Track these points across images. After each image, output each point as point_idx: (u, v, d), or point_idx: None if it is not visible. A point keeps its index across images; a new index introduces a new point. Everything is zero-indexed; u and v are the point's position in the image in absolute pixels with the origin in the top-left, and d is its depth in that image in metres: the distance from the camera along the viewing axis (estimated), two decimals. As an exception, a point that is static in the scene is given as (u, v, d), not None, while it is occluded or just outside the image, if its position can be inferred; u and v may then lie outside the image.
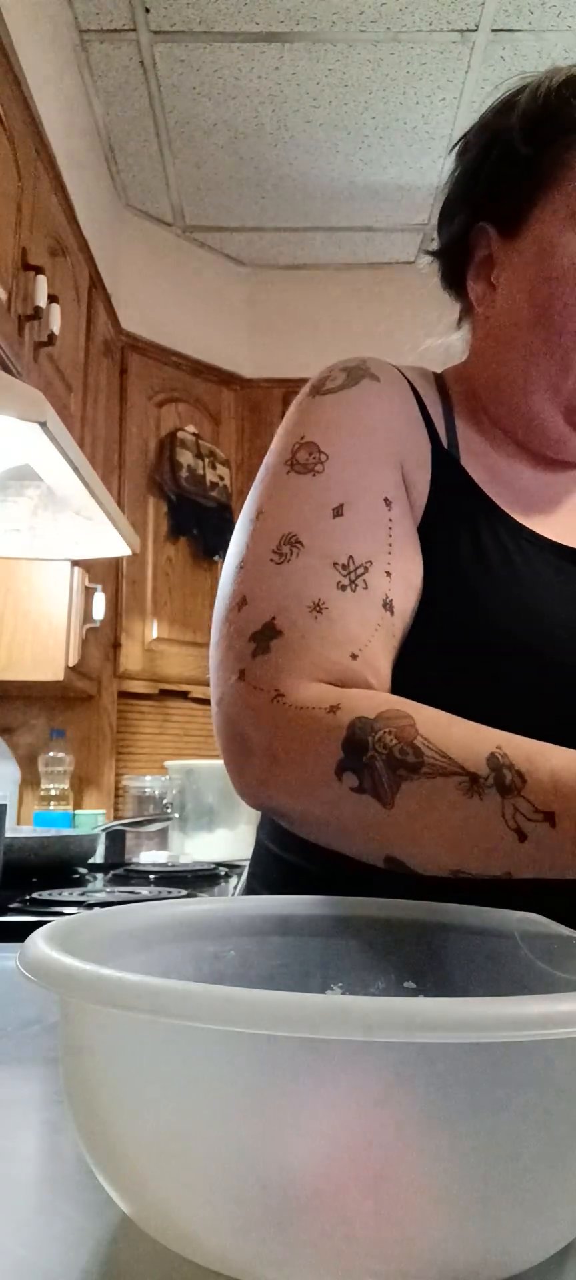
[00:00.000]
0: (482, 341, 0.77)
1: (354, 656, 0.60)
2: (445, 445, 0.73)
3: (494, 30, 2.13)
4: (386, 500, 0.67)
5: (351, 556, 0.63)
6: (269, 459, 0.70)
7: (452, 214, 0.78)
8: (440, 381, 0.79)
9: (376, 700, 0.56)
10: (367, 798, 0.53)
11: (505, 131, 0.74)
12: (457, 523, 0.70)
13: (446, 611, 0.67)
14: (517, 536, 0.71)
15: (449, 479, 0.71)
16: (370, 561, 0.63)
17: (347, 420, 0.69)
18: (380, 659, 0.62)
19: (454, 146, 0.80)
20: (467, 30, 2.13)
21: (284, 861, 0.77)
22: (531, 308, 0.71)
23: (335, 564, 0.62)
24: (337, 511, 0.65)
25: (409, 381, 0.75)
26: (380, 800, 0.53)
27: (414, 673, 0.65)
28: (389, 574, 0.64)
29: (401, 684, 0.62)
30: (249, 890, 0.83)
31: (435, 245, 0.82)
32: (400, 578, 0.65)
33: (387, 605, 0.63)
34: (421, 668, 0.66)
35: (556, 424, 0.73)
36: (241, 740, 0.59)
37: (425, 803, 0.52)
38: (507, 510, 0.72)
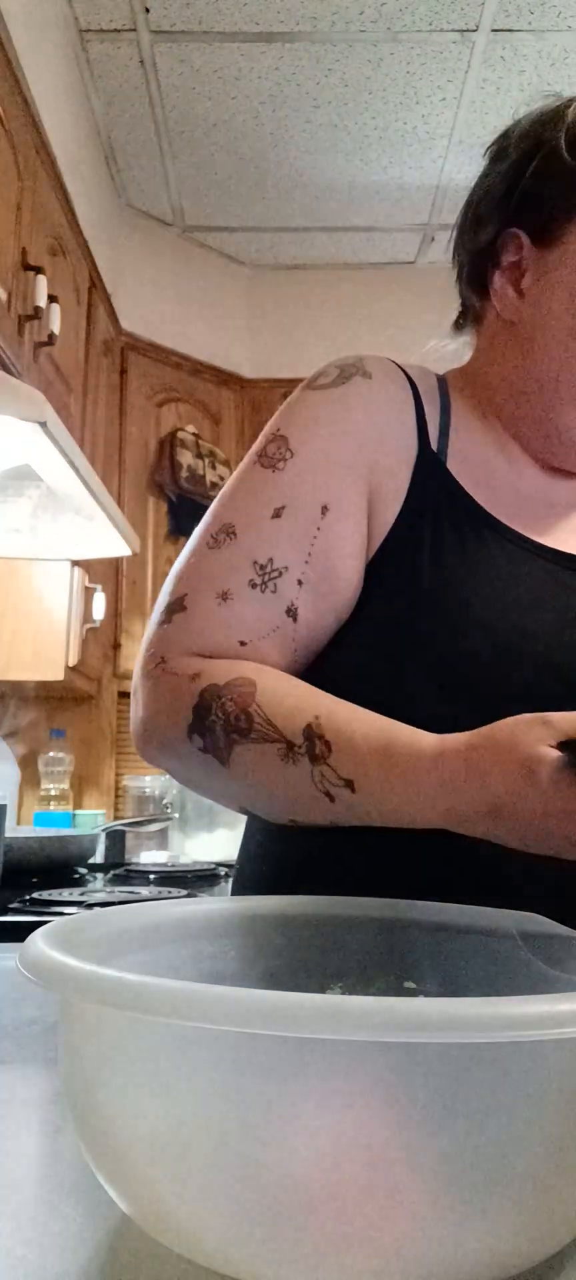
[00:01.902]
0: (503, 347, 0.77)
1: (242, 644, 0.65)
2: (435, 448, 0.73)
3: (494, 30, 2.13)
4: (324, 508, 0.68)
5: (271, 559, 0.67)
6: (255, 445, 0.74)
7: (485, 217, 0.78)
8: (442, 383, 0.79)
9: (232, 668, 0.63)
10: (210, 757, 0.61)
11: (551, 142, 0.74)
12: (434, 524, 0.70)
13: (410, 616, 0.67)
14: (502, 539, 0.70)
15: (430, 481, 0.71)
16: (286, 567, 0.67)
17: (323, 420, 0.71)
18: (272, 657, 0.66)
19: (488, 150, 0.79)
20: (467, 30, 2.13)
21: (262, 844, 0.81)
22: (569, 317, 0.71)
23: (254, 562, 0.67)
24: (277, 514, 0.68)
25: (409, 379, 0.75)
26: (219, 760, 0.60)
27: (373, 664, 0.68)
28: (300, 583, 0.67)
29: (369, 680, 0.66)
30: (237, 878, 0.86)
31: (455, 242, 0.82)
32: (311, 588, 0.68)
33: (291, 612, 0.67)
34: (384, 657, 0.68)
35: (561, 413, 0.73)
36: (133, 698, 0.67)
37: (253, 765, 0.60)
38: (493, 512, 0.71)
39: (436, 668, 0.66)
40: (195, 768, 0.63)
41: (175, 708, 0.62)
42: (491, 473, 0.75)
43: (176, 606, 0.67)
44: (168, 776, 2.37)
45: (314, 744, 0.58)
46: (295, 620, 0.67)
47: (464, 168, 2.62)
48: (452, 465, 0.73)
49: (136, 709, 0.66)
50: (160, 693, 0.64)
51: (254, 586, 0.66)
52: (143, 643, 0.68)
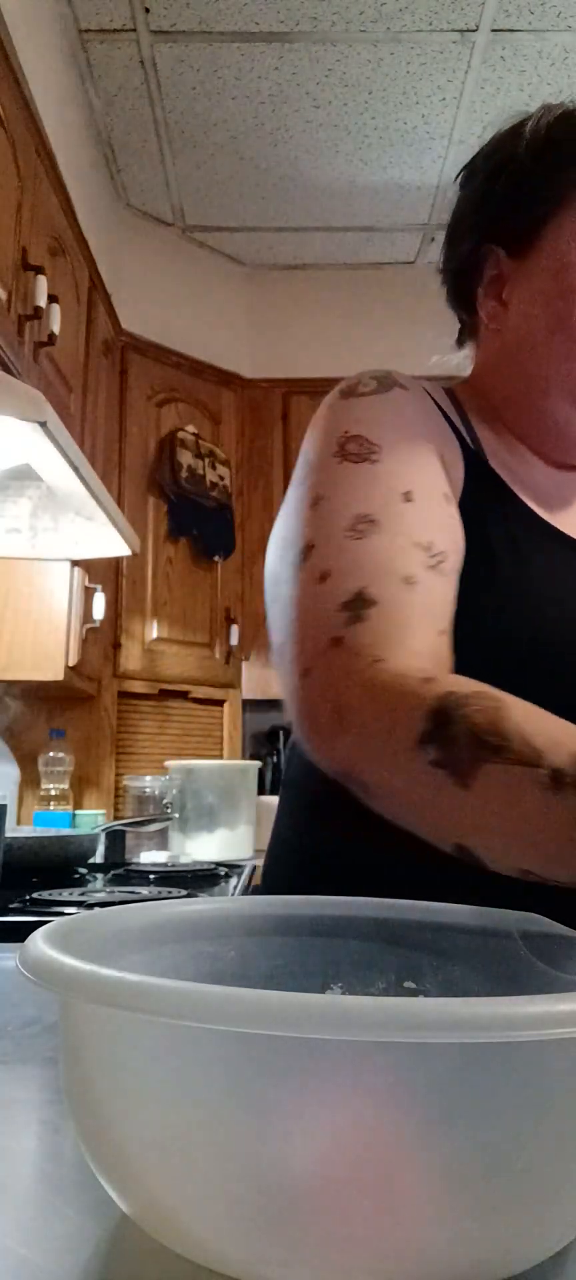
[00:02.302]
0: (496, 355, 0.81)
1: (441, 633, 0.62)
2: (472, 447, 0.77)
3: (494, 30, 2.13)
4: (446, 496, 0.69)
5: (431, 541, 0.65)
6: (311, 455, 0.71)
7: (460, 237, 0.82)
8: (451, 395, 0.82)
9: (472, 683, 0.55)
10: (445, 774, 0.52)
11: (513, 159, 0.78)
12: (490, 518, 0.73)
13: (482, 603, 0.69)
14: (542, 532, 0.75)
15: (480, 476, 0.75)
16: (444, 553, 0.65)
17: (390, 419, 0.71)
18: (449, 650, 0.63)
19: (458, 176, 0.83)
20: (467, 30, 2.13)
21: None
22: (549, 318, 0.75)
23: (417, 544, 0.64)
24: (407, 497, 0.66)
25: (428, 392, 0.78)
26: (458, 778, 0.52)
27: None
28: (455, 570, 0.66)
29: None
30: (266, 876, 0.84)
31: (441, 265, 0.86)
32: (457, 575, 0.67)
33: (455, 597, 0.65)
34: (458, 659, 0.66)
35: (574, 425, 0.77)
36: (335, 706, 0.59)
37: (503, 789, 0.51)
38: (537, 510, 0.76)
39: (519, 657, 0.68)
40: (422, 784, 0.54)
41: (403, 711, 0.55)
42: (513, 471, 0.78)
43: (362, 603, 0.61)
44: (167, 778, 2.36)
45: None
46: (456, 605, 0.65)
47: (464, 168, 2.62)
48: (493, 464, 0.77)
49: (341, 718, 0.58)
50: (385, 695, 0.56)
51: (431, 569, 0.63)
52: (313, 658, 0.61)
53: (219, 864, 1.94)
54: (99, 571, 2.33)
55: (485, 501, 0.73)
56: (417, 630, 0.60)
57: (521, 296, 0.78)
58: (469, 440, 0.77)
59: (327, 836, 0.70)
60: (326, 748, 0.60)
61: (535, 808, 0.49)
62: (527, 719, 0.52)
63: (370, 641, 0.59)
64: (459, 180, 0.83)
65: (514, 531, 0.73)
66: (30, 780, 2.51)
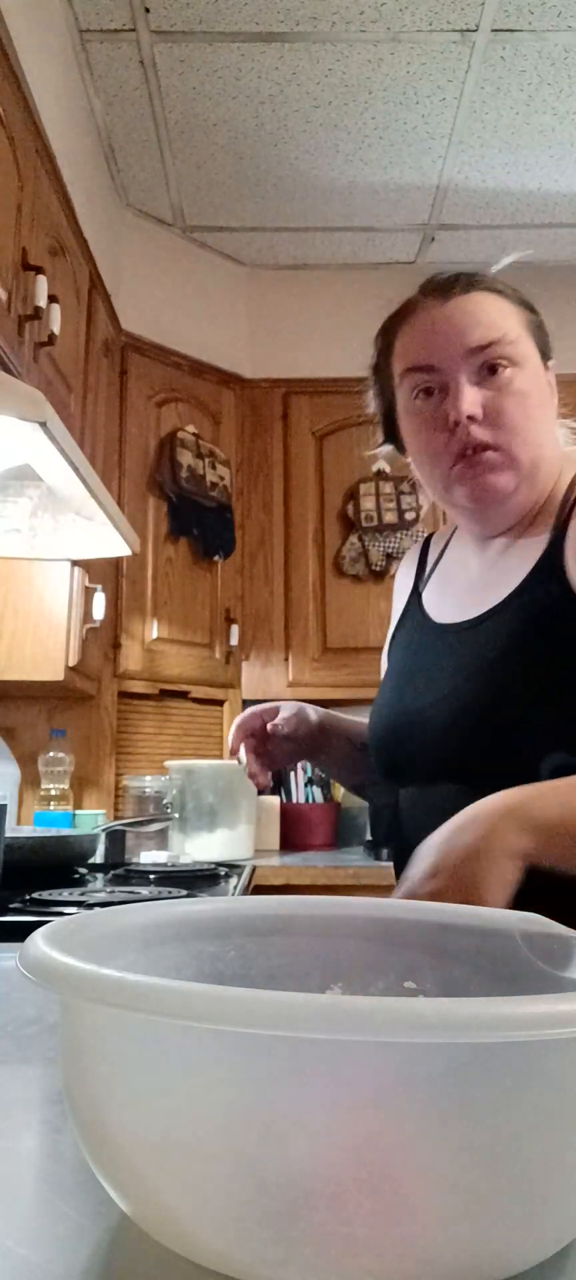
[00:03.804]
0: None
1: None
2: (425, 577, 1.11)
3: (494, 30, 2.13)
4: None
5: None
6: None
7: (372, 403, 1.09)
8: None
9: None
10: None
11: (376, 368, 1.07)
12: (400, 635, 1.09)
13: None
14: (416, 624, 1.07)
15: (409, 603, 1.11)
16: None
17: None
18: None
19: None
20: (467, 30, 2.13)
21: None
22: (417, 455, 1.01)
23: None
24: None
25: (425, 539, 1.18)
26: None
27: None
28: None
29: None
30: None
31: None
32: None
33: None
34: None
35: (452, 510, 1.02)
36: None
37: None
38: (431, 614, 1.05)
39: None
40: None
41: None
42: (451, 570, 1.08)
43: None
44: (167, 778, 2.36)
45: None
46: None
47: (464, 168, 2.62)
48: (427, 587, 1.10)
49: None
50: None
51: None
52: None
53: (219, 864, 1.94)
54: (99, 571, 2.33)
55: (404, 624, 1.10)
56: None
57: (408, 447, 1.03)
58: (429, 568, 1.12)
59: None
60: None
61: None
62: None
63: None
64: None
65: (405, 637, 1.08)
66: (30, 780, 2.51)
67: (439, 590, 1.06)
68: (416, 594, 1.08)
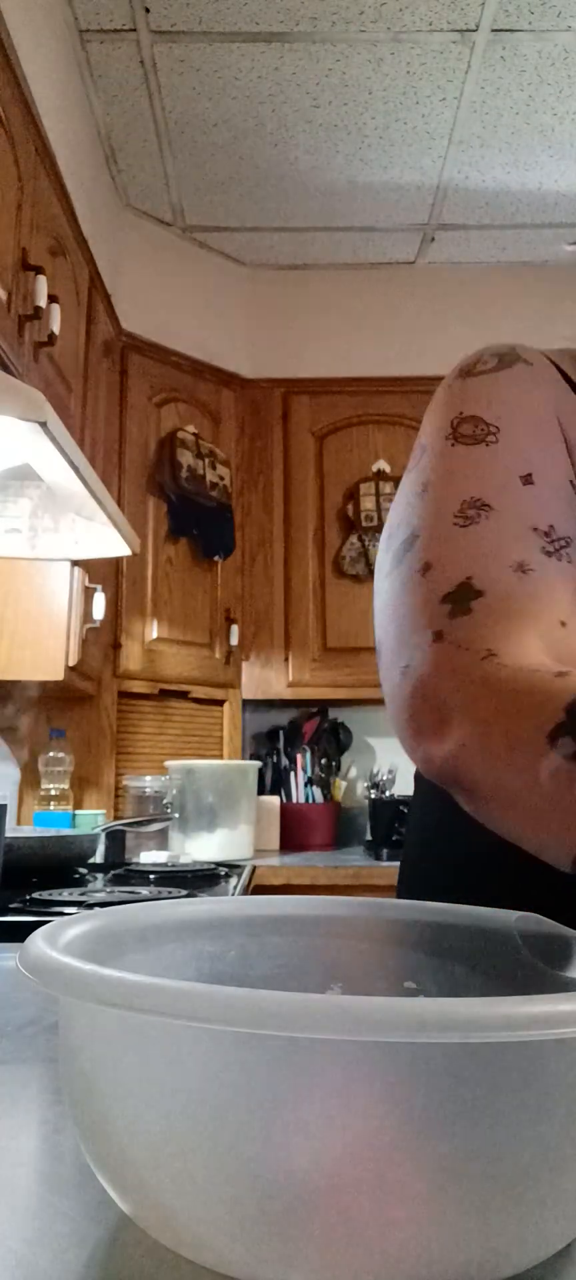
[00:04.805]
0: None
1: (563, 624, 0.55)
2: None
3: (494, 30, 2.13)
4: (572, 484, 0.63)
5: (552, 525, 0.59)
6: (424, 440, 0.68)
7: None
8: None
9: None
10: None
11: None
12: None
13: None
14: None
15: None
16: (569, 538, 0.59)
17: (512, 398, 0.66)
18: None
19: None
20: (467, 30, 2.13)
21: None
22: None
23: (535, 529, 0.58)
24: (527, 480, 0.61)
25: (556, 365, 0.73)
26: None
27: None
28: None
29: None
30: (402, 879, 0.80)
31: None
32: None
33: None
34: None
35: None
36: (436, 704, 0.54)
37: None
38: None
39: None
40: (548, 785, 0.47)
41: (533, 707, 0.49)
42: None
43: (467, 593, 0.56)
44: (167, 778, 2.36)
45: None
46: None
47: (464, 168, 2.62)
48: None
49: (446, 717, 0.53)
50: (507, 690, 0.50)
51: (549, 555, 0.57)
52: (413, 653, 0.56)
53: (219, 864, 1.94)
54: (99, 571, 2.33)
55: None
56: (534, 621, 0.54)
57: None
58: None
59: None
60: (428, 749, 0.55)
61: None
62: None
63: (478, 635, 0.54)
64: None
65: None
66: (30, 780, 2.51)
67: None
68: None
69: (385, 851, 2.50)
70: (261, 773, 2.77)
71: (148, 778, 2.46)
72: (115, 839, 2.01)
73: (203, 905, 0.50)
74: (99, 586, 2.28)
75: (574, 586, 0.57)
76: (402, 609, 0.59)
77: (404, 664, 0.57)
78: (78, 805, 2.54)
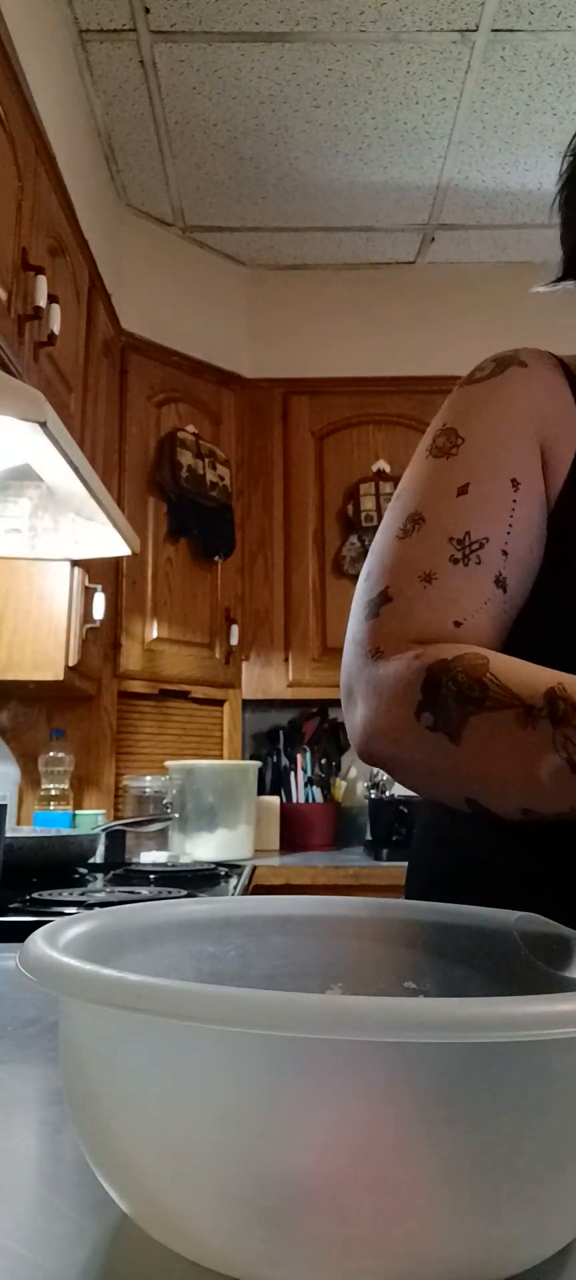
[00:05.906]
0: None
1: (457, 624, 0.63)
2: None
3: (494, 30, 2.13)
4: (513, 481, 0.69)
5: (468, 532, 0.66)
6: (418, 447, 0.74)
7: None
8: None
9: (459, 648, 0.60)
10: (441, 735, 0.57)
11: None
12: None
13: (543, 596, 0.69)
14: None
15: None
16: (487, 539, 0.66)
17: (488, 404, 0.72)
18: (487, 631, 0.65)
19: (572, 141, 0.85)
20: (467, 30, 2.13)
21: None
22: None
23: (451, 539, 0.66)
24: (462, 490, 0.68)
25: (564, 366, 0.77)
26: (451, 737, 0.56)
27: (542, 643, 0.65)
28: (505, 553, 0.66)
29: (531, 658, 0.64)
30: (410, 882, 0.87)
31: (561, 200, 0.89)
32: (516, 559, 0.67)
33: (500, 582, 0.66)
34: (551, 637, 0.67)
35: None
36: (349, 697, 0.66)
37: (487, 735, 0.55)
38: None
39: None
40: (422, 751, 0.59)
41: (401, 691, 0.60)
42: None
43: (380, 600, 0.65)
44: (167, 778, 2.37)
45: (556, 705, 0.53)
46: (505, 591, 0.66)
47: (464, 168, 2.62)
48: None
49: (358, 712, 0.64)
50: (383, 681, 0.61)
51: (455, 562, 0.65)
52: (348, 652, 0.67)
53: (219, 864, 1.94)
54: (99, 571, 2.33)
55: None
56: (424, 623, 0.63)
57: None
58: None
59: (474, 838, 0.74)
60: (351, 735, 0.66)
61: (512, 744, 0.54)
62: (506, 670, 0.56)
63: (375, 636, 0.64)
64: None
65: None
66: (30, 780, 2.51)
67: None
68: None
69: (385, 851, 2.50)
70: (261, 773, 2.77)
71: (148, 778, 2.46)
72: (115, 839, 2.01)
73: (202, 905, 0.50)
74: (99, 586, 2.28)
75: (482, 583, 0.65)
76: (351, 614, 0.69)
77: (342, 667, 0.68)
78: (78, 805, 2.54)
